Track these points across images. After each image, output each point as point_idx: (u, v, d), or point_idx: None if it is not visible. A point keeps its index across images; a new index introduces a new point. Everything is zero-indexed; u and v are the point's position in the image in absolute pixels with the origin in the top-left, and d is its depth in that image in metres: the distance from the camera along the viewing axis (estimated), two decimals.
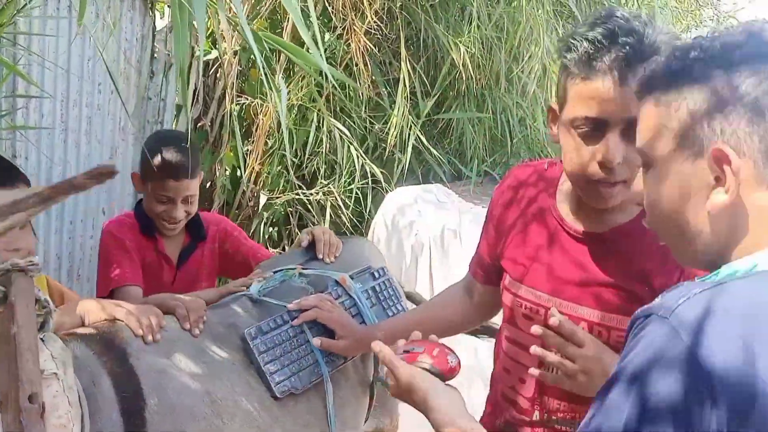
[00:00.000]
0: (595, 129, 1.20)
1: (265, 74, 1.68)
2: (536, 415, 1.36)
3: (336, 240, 1.92)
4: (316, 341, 1.59)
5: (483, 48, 4.18)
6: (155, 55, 3.37)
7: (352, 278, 1.79)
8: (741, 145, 0.83)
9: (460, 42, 4.02)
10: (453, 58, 4.01)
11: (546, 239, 1.36)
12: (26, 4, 1.57)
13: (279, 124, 3.92)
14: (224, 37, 3.42)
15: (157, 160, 1.91)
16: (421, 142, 4.07)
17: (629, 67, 1.15)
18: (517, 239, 1.40)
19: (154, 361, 1.33)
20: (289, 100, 3.79)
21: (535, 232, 1.38)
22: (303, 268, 1.80)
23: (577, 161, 1.23)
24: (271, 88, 1.94)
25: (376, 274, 1.87)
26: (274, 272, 1.77)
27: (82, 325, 1.39)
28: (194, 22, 1.69)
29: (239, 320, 1.58)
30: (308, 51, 3.44)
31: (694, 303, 0.78)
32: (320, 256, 1.84)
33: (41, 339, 1.07)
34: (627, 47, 1.16)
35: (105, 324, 1.38)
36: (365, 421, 1.81)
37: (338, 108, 4.01)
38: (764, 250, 0.82)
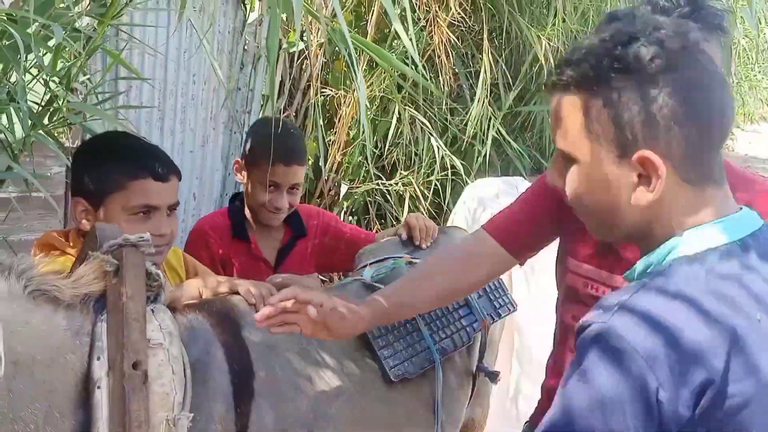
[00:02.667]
0: None
1: (351, 68, 1.72)
2: None
3: (431, 224, 1.89)
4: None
5: (567, 41, 4.11)
6: (245, 47, 3.50)
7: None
8: (663, 149, 0.90)
9: (544, 35, 3.97)
10: (536, 52, 3.96)
11: None
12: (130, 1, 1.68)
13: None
14: (311, 31, 3.50)
15: (266, 142, 1.85)
16: (502, 134, 4.05)
17: None
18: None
19: (265, 336, 1.38)
20: (371, 91, 3.85)
21: None
22: (411, 258, 1.81)
23: None
24: (354, 82, 1.98)
25: None
26: (383, 259, 1.79)
27: (200, 298, 1.46)
28: (284, 16, 1.76)
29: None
30: (392, 43, 3.47)
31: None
32: (416, 242, 1.84)
33: (151, 310, 1.15)
34: None
35: (222, 298, 1.45)
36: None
37: (420, 99, 4.04)
38: (683, 232, 0.92)
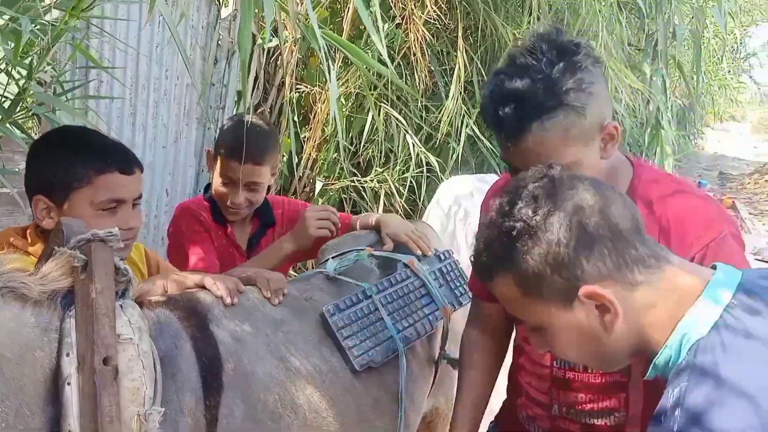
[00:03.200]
0: None
1: (327, 65, 1.72)
2: (555, 410, 1.40)
3: (415, 229, 1.93)
4: None
5: None
6: (219, 42, 3.47)
7: (419, 260, 1.84)
8: (597, 273, 0.95)
9: (519, 33, 3.99)
10: None
11: None
12: None
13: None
14: (286, 27, 3.49)
15: (231, 138, 1.90)
16: (475, 132, 4.08)
17: None
18: None
19: (232, 329, 1.39)
20: (346, 88, 3.85)
21: None
22: (373, 251, 1.84)
23: None
24: (328, 79, 1.98)
25: (442, 257, 1.92)
26: (346, 252, 1.83)
27: (165, 293, 1.46)
28: (257, 11, 1.75)
29: (316, 295, 1.65)
30: (368, 40, 3.47)
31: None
32: (418, 253, 1.87)
33: (120, 306, 1.14)
34: None
35: (188, 292, 1.46)
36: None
37: (395, 96, 4.05)
38: (676, 326, 0.95)
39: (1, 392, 0.99)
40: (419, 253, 1.87)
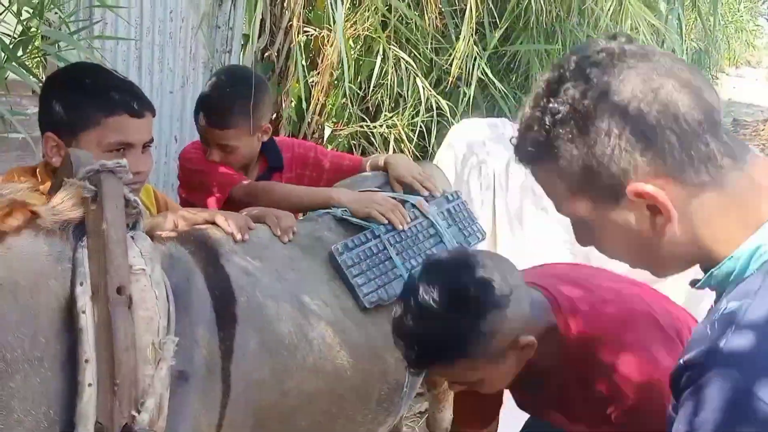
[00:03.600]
0: None
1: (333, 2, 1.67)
2: None
3: (422, 170, 1.92)
4: None
5: None
6: None
7: (427, 201, 1.83)
8: (652, 171, 0.82)
9: None
10: None
11: None
12: None
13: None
14: None
15: (200, 97, 1.95)
16: (487, 75, 4.00)
17: None
18: None
19: (243, 265, 1.40)
20: (354, 30, 3.77)
21: None
22: (382, 192, 1.84)
23: None
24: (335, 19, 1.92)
25: (450, 197, 1.92)
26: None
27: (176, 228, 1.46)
28: None
29: (325, 235, 1.65)
30: None
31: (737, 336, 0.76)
32: (425, 194, 1.86)
33: (131, 237, 1.14)
34: None
35: (199, 228, 1.46)
36: None
37: (404, 39, 3.96)
38: (748, 236, 0.82)
39: (15, 319, 1.00)
40: (426, 193, 1.85)
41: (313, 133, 4.10)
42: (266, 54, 3.78)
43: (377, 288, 1.59)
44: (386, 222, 1.71)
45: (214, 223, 1.48)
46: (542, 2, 3.89)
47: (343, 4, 3.49)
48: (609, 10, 4.07)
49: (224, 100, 1.92)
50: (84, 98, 1.45)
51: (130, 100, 1.49)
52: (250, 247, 1.46)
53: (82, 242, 1.09)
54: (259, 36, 3.64)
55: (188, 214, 1.51)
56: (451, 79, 3.92)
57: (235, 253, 1.42)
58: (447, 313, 1.16)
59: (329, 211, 1.73)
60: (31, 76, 1.73)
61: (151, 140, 1.56)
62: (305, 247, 1.59)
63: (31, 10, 1.67)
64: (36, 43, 1.67)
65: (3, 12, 1.64)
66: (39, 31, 1.55)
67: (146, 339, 1.09)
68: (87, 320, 1.05)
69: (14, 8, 1.62)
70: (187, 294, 1.25)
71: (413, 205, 1.82)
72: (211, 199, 1.93)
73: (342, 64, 3.77)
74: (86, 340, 1.04)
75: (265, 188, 1.89)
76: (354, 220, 1.70)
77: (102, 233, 1.06)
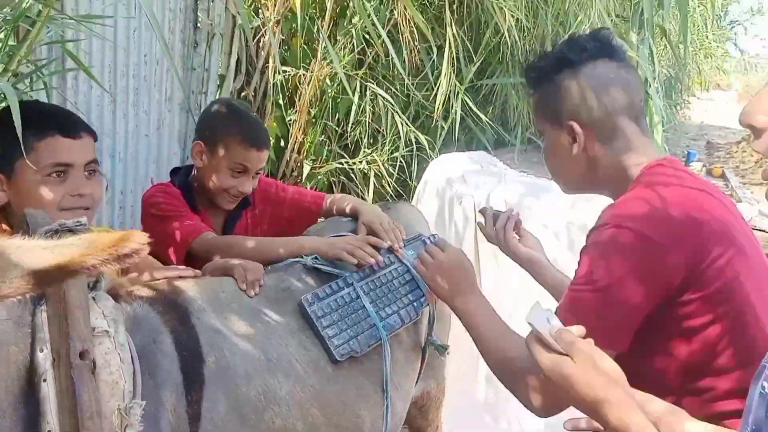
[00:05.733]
0: None
1: (326, 41, 1.67)
2: None
3: (392, 222, 1.85)
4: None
5: (528, 12, 4.08)
6: (198, 25, 3.39)
7: (404, 246, 1.79)
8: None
9: (505, 6, 3.93)
10: (497, 23, 3.93)
11: None
12: None
13: (322, 93, 3.91)
14: (268, 6, 3.41)
15: (237, 128, 1.84)
16: (466, 108, 4.02)
17: None
18: None
19: (212, 322, 1.35)
20: (332, 69, 3.77)
21: None
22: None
23: None
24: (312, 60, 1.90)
25: (427, 241, 1.87)
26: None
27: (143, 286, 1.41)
28: None
29: (294, 285, 1.60)
30: (351, 18, 3.40)
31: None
32: (387, 244, 1.78)
33: (92, 298, 1.09)
34: None
35: (167, 284, 1.41)
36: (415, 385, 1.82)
37: (380, 76, 3.98)
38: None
39: None
40: (387, 244, 1.78)
41: (292, 171, 4.08)
42: (243, 94, 3.77)
43: (349, 339, 1.54)
44: (355, 261, 1.66)
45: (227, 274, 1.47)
46: (516, 37, 3.93)
47: (320, 42, 3.50)
48: None
49: (260, 122, 1.89)
50: (14, 128, 1.41)
51: (61, 120, 1.46)
52: (218, 303, 1.42)
53: (41, 305, 1.04)
54: (235, 76, 3.63)
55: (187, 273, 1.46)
56: (435, 116, 3.93)
57: (204, 310, 1.37)
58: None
59: (298, 259, 1.68)
60: None
61: (95, 161, 1.49)
62: (273, 300, 1.53)
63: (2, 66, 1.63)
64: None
65: None
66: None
67: (111, 405, 1.05)
68: (49, 388, 1.00)
69: None
70: (153, 356, 1.21)
71: (389, 250, 1.77)
72: (170, 251, 1.83)
73: (324, 102, 3.76)
74: (49, 409, 0.99)
75: (229, 243, 1.80)
76: (324, 268, 1.66)
77: (62, 296, 1.02)
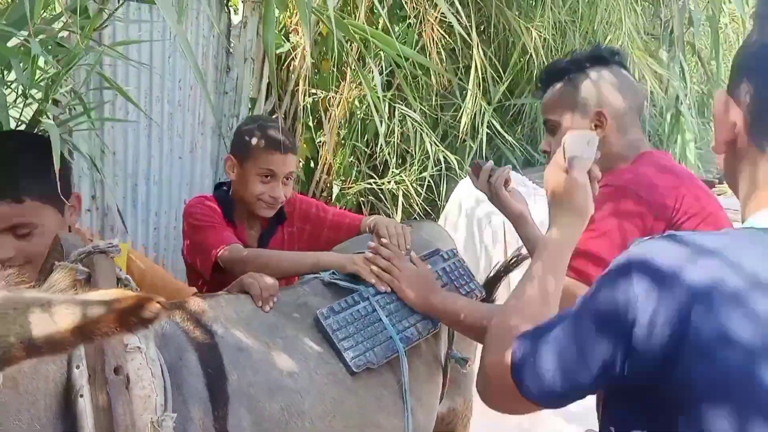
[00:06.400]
0: None
1: (356, 64, 1.71)
2: None
3: (401, 229, 1.88)
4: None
5: (556, 32, 4.09)
6: (231, 50, 3.47)
7: (422, 260, 1.81)
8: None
9: (532, 26, 3.95)
10: (524, 43, 3.95)
11: None
12: (115, 10, 1.66)
13: (351, 114, 3.96)
14: (298, 31, 3.47)
15: (261, 135, 1.93)
16: (493, 128, 4.04)
17: None
18: None
19: (234, 339, 1.39)
20: (360, 91, 3.82)
21: None
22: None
23: None
24: (357, 77, 1.96)
25: (446, 256, 1.88)
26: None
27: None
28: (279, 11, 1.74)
29: (310, 300, 1.63)
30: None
31: None
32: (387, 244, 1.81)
33: None
34: None
35: (191, 302, 1.45)
36: (440, 401, 1.82)
37: (410, 96, 4.02)
38: None
39: (16, 407, 0.98)
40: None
41: (322, 191, 4.13)
42: (273, 116, 3.84)
43: (365, 351, 1.56)
44: (373, 279, 1.68)
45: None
46: (544, 57, 3.94)
47: (349, 64, 3.55)
48: None
49: (284, 130, 1.96)
50: None
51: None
52: (239, 321, 1.45)
53: None
54: (266, 99, 3.70)
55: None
56: (460, 135, 3.95)
57: (227, 329, 1.41)
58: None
59: (317, 276, 1.71)
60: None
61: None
62: (290, 315, 1.56)
63: (39, 93, 1.70)
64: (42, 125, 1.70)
65: (14, 97, 1.67)
66: (46, 115, 1.58)
67: (145, 418, 1.08)
68: (86, 403, 1.04)
69: (24, 91, 1.65)
70: (180, 372, 1.24)
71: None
72: (197, 260, 1.91)
73: (353, 123, 3.81)
74: (85, 425, 1.03)
75: (252, 255, 1.84)
76: (342, 283, 1.68)
77: None
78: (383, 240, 1.81)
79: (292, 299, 1.61)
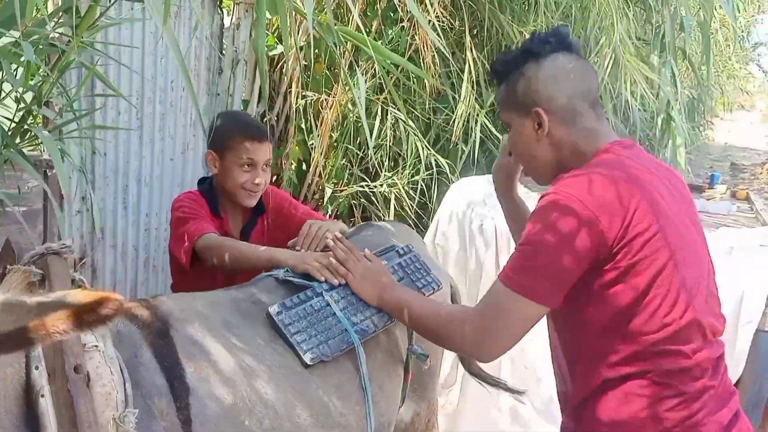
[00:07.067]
0: None
1: (345, 69, 1.71)
2: None
3: (322, 231, 1.91)
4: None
5: None
6: (223, 52, 3.46)
7: (377, 256, 1.84)
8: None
9: (525, 30, 3.95)
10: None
11: None
12: (108, 7, 1.64)
13: (344, 117, 3.95)
14: (290, 33, 3.46)
15: (237, 129, 2.04)
16: (487, 131, 4.04)
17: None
18: None
19: (190, 334, 1.41)
20: (351, 95, 3.82)
21: None
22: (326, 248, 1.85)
23: None
24: (347, 82, 1.98)
25: (401, 251, 1.93)
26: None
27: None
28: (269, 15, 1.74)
29: (264, 297, 1.66)
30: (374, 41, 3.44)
31: None
32: (298, 248, 1.89)
33: None
34: None
35: (145, 300, 1.47)
36: (402, 401, 1.85)
37: (402, 100, 4.02)
38: None
39: None
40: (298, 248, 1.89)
41: (314, 194, 4.12)
42: (265, 119, 3.82)
43: (318, 344, 1.59)
44: (323, 278, 1.73)
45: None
46: None
47: (341, 68, 3.54)
48: (607, 66, 4.13)
49: (257, 120, 2.10)
50: None
51: None
52: (194, 316, 1.47)
53: None
54: (258, 101, 3.69)
55: None
56: (454, 139, 3.95)
57: (181, 323, 1.42)
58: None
59: (271, 273, 1.75)
60: (27, 162, 1.74)
61: None
62: (245, 312, 1.60)
63: (31, 95, 1.68)
64: (35, 126, 1.68)
65: (3, 97, 1.65)
66: (37, 118, 1.56)
67: (107, 415, 1.10)
68: (47, 403, 1.05)
69: (15, 93, 1.63)
70: (137, 369, 1.26)
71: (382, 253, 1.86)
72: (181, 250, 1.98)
73: (345, 126, 3.79)
74: (48, 423, 1.04)
75: (219, 242, 1.93)
76: (296, 280, 1.72)
77: None
78: (330, 242, 1.83)
79: (246, 296, 1.66)
